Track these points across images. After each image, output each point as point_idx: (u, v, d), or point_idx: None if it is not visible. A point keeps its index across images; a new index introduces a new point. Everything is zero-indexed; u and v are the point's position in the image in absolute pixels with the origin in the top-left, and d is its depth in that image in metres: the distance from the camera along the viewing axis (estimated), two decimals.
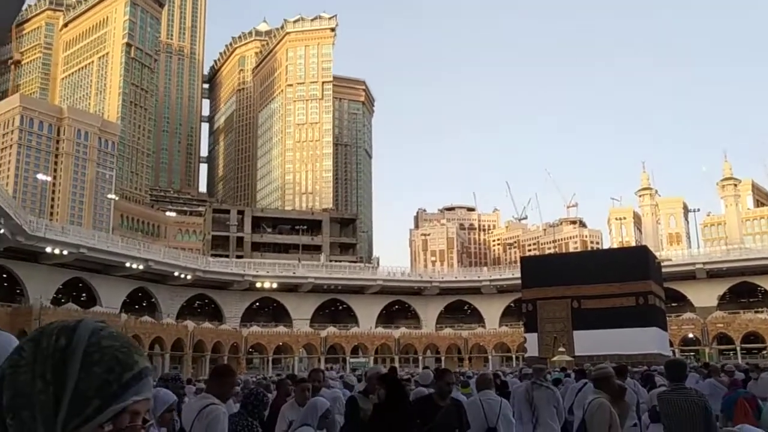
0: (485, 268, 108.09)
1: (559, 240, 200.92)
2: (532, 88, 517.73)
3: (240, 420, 5.74)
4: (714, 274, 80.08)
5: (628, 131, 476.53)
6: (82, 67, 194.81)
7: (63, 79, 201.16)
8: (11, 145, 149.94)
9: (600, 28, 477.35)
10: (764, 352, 70.30)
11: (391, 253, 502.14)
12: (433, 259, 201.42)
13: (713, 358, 64.27)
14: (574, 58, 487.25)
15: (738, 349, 69.93)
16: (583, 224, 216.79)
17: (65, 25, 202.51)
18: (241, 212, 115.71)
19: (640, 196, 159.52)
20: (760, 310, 77.15)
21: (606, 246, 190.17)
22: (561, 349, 47.33)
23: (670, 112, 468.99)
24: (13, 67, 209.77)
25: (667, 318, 59.60)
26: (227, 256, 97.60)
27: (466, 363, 77.53)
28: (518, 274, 64.66)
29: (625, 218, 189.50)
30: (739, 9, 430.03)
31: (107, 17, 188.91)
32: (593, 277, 50.11)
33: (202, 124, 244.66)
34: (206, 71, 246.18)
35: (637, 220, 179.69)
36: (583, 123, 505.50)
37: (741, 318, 73.30)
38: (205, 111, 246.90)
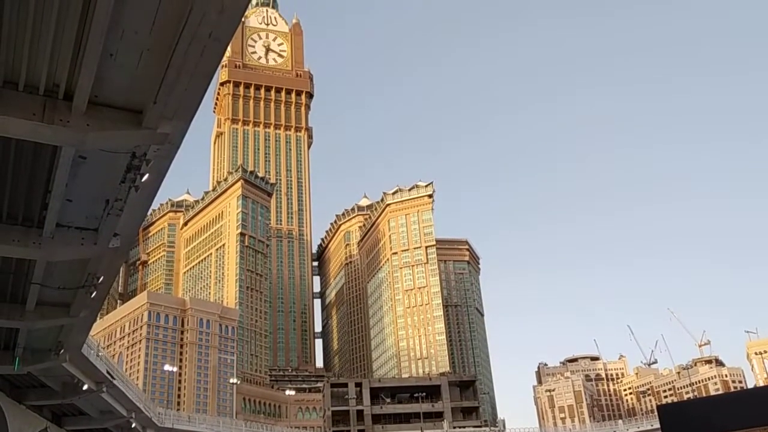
0: (620, 421, 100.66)
1: (696, 383, 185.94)
2: (636, 222, 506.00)
3: None
4: None
5: (745, 259, 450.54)
6: (202, 260, 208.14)
7: (185, 273, 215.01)
8: (141, 340, 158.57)
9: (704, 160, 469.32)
10: None
11: (517, 413, 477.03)
12: (562, 415, 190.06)
13: None
14: (678, 190, 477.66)
15: None
16: (720, 363, 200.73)
17: (185, 223, 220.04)
18: (358, 384, 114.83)
19: None
20: None
21: (750, 384, 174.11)
22: None
23: None
24: (140, 267, 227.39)
25: None
26: (349, 431, 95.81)
27: None
28: (657, 425, 59.58)
29: (766, 351, 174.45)
30: None
31: (222, 212, 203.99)
32: (747, 420, 45.42)
33: (315, 300, 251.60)
34: (314, 249, 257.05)
35: None
36: (703, 255, 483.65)
37: None
38: (316, 287, 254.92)
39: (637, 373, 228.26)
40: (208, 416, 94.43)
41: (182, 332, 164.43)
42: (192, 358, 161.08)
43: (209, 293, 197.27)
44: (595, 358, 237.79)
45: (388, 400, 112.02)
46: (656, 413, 70.37)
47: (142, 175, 14.54)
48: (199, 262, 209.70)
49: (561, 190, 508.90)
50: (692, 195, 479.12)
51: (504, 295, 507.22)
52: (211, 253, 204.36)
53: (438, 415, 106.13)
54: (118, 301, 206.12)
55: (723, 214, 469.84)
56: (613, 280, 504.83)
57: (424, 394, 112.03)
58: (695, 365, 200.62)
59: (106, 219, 16.43)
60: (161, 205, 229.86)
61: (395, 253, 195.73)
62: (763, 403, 50.32)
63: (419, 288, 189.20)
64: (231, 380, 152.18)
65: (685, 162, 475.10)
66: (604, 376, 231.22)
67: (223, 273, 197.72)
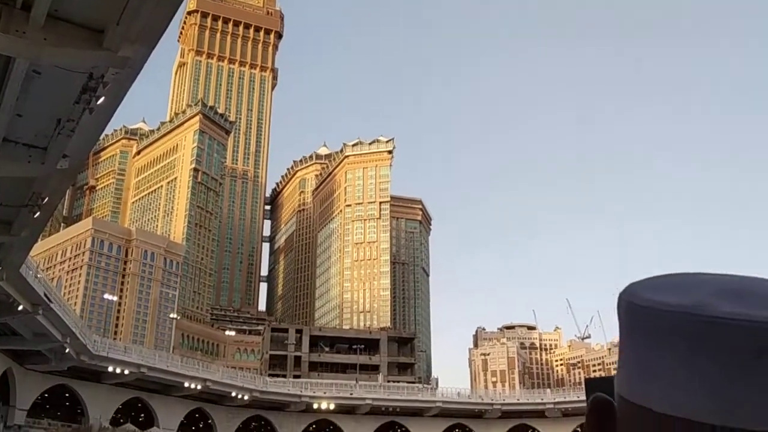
0: (548, 390, 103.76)
1: None
2: (587, 194, 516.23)
3: None
4: None
5: (696, 235, 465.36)
6: (152, 191, 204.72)
7: (133, 202, 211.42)
8: (82, 266, 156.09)
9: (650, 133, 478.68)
10: None
11: (450, 373, 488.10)
12: (494, 379, 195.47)
13: None
14: (627, 164, 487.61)
15: None
16: None
17: (138, 152, 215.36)
18: (299, 331, 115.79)
19: None
20: None
21: None
22: None
23: (727, 215, 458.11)
24: (88, 192, 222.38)
25: None
26: (284, 376, 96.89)
27: None
28: (584, 397, 61.79)
29: None
30: None
31: (177, 145, 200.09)
32: None
33: (263, 244, 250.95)
34: (268, 193, 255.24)
35: None
36: (645, 236, 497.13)
37: None
38: (266, 231, 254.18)
39: (569, 346, 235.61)
40: (145, 348, 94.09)
41: (125, 262, 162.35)
42: (133, 289, 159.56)
43: (156, 226, 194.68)
44: (531, 328, 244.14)
45: (327, 349, 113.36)
46: (583, 385, 73.05)
47: (98, 98, 14.11)
48: (149, 193, 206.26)
49: (515, 160, 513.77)
50: (635, 166, 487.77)
51: (451, 258, 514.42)
52: (162, 186, 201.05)
53: (374, 368, 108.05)
54: (62, 224, 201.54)
55: (667, 188, 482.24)
56: (558, 253, 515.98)
57: (363, 346, 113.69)
58: None
59: (56, 139, 15.95)
60: (115, 131, 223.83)
61: (349, 206, 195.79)
62: None
63: (369, 242, 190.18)
64: (171, 315, 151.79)
65: (631, 131, 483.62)
66: (538, 345, 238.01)
67: (172, 207, 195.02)
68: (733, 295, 0.84)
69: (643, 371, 0.91)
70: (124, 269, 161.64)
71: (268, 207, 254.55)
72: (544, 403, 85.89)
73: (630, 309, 0.95)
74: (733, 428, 0.79)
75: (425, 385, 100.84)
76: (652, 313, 0.90)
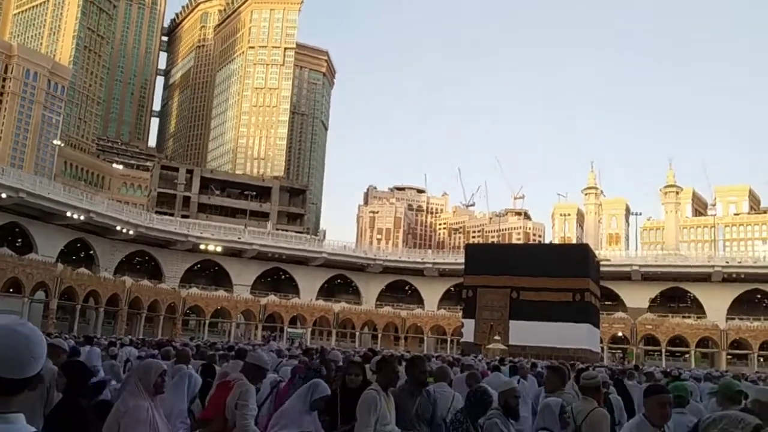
0: (429, 251, 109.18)
1: (503, 230, 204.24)
2: (490, 75, 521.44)
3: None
4: (648, 277, 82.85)
5: (579, 129, 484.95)
6: (37, 5, 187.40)
7: (15, 15, 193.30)
8: None
9: (556, 17, 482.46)
10: (686, 355, 73.25)
11: (338, 228, 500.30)
12: (379, 237, 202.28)
13: (640, 358, 66.75)
14: (532, 47, 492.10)
15: (663, 351, 72.70)
16: (528, 216, 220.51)
17: None
18: (190, 171, 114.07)
19: (585, 194, 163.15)
20: (687, 315, 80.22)
21: (548, 240, 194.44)
22: (496, 337, 48.45)
23: (623, 114, 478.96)
24: None
25: (600, 315, 61.51)
26: (172, 215, 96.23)
27: (402, 342, 78.56)
28: (461, 260, 65.78)
29: (569, 214, 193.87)
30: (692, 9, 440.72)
31: None
32: (534, 270, 51.31)
33: (158, 77, 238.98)
34: (167, 23, 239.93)
35: (580, 217, 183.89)
36: (536, 116, 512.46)
37: (669, 322, 76.08)
38: (162, 64, 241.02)
39: (454, 212, 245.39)
40: (24, 173, 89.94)
41: (4, 80, 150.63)
42: (12, 110, 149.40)
43: (41, 44, 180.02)
44: (421, 191, 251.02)
45: (218, 192, 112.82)
46: (463, 249, 77.20)
47: None
48: (33, 7, 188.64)
49: (428, 31, 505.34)
50: (551, 43, 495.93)
51: (351, 116, 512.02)
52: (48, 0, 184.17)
53: (264, 216, 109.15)
54: None
55: (570, 71, 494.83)
56: (454, 121, 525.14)
57: (255, 193, 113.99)
58: (506, 214, 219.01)
59: None
60: None
61: (252, 48, 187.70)
62: (553, 257, 56.76)
63: (270, 89, 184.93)
64: (54, 141, 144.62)
65: (548, 11, 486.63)
66: (425, 208, 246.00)
67: (59, 25, 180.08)
68: None
69: None
70: (3, 87, 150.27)
71: (165, 38, 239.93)
72: (424, 263, 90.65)
73: None
74: None
75: (313, 236, 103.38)
76: None
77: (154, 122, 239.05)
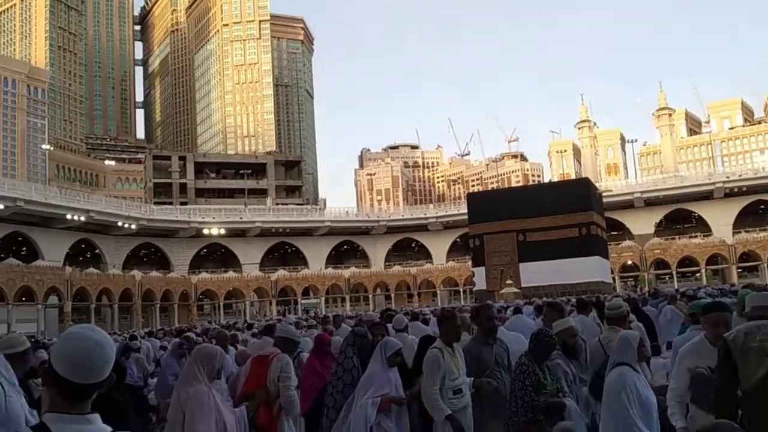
0: (431, 205, 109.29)
1: (501, 174, 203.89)
2: (471, 26, 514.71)
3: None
4: (651, 203, 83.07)
5: (564, 63, 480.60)
6: (4, 11, 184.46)
7: None
8: None
9: None
10: (697, 275, 73.82)
11: (337, 194, 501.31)
12: (379, 198, 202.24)
13: (652, 283, 67.30)
14: None
15: (674, 273, 73.28)
16: (524, 158, 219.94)
17: None
18: (182, 158, 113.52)
19: (579, 128, 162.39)
20: (694, 235, 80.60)
21: (547, 179, 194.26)
22: (508, 281, 48.81)
23: (606, 43, 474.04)
24: None
25: (608, 246, 61.83)
26: (171, 203, 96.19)
27: (416, 299, 79.21)
28: (464, 210, 65.86)
29: (565, 151, 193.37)
30: None
31: None
32: (537, 210, 51.39)
33: (136, 67, 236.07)
34: (137, 12, 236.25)
35: (577, 152, 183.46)
36: (520, 58, 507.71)
37: (676, 244, 76.54)
38: (139, 54, 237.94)
39: (450, 163, 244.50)
40: (19, 182, 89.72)
41: None
42: None
43: (14, 50, 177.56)
44: (414, 147, 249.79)
45: (213, 175, 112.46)
46: (464, 200, 77.25)
47: None
48: (0, 13, 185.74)
49: None
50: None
51: (335, 80, 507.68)
52: (15, 4, 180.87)
53: (262, 192, 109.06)
54: None
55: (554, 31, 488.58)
56: (440, 73, 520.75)
57: (250, 171, 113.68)
58: (503, 159, 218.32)
59: None
60: None
61: (226, 25, 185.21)
62: (555, 195, 56.79)
63: (250, 64, 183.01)
64: (43, 146, 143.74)
65: None
66: (421, 164, 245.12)
67: (29, 29, 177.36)
68: None
69: None
70: None
71: (138, 27, 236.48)
72: (427, 218, 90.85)
73: None
74: None
75: (314, 206, 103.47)
76: None
77: (140, 114, 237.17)
